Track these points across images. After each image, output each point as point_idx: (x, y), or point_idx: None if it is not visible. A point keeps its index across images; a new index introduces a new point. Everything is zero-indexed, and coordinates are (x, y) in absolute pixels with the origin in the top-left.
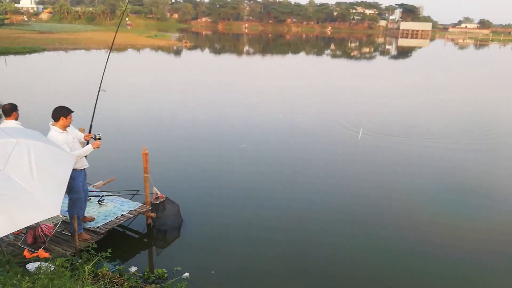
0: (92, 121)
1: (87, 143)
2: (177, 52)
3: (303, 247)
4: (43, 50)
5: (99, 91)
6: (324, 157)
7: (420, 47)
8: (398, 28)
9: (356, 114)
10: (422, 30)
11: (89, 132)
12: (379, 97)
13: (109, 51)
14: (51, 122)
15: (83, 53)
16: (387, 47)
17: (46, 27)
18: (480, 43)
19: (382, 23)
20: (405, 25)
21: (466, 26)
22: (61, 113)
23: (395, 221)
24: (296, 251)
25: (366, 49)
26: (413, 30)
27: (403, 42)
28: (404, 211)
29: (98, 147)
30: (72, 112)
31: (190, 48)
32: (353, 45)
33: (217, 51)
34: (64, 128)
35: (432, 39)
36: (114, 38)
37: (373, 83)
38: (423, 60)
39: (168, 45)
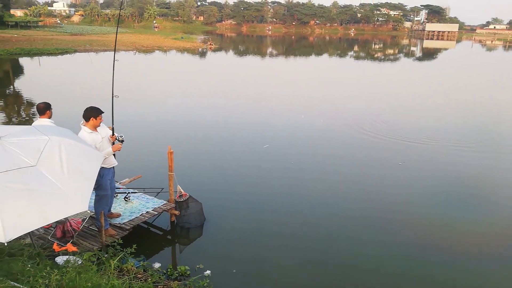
0: (112, 125)
1: (113, 143)
2: (202, 54)
3: (325, 252)
4: (75, 51)
5: (112, 97)
6: (348, 161)
7: (446, 49)
8: (423, 30)
9: (379, 117)
10: (448, 32)
11: (113, 134)
12: (403, 99)
13: (113, 60)
14: (82, 122)
15: (112, 54)
16: (412, 48)
17: (77, 29)
18: (510, 45)
19: (407, 24)
20: (431, 27)
21: (494, 27)
22: (91, 114)
23: (420, 229)
24: (318, 255)
25: (390, 51)
26: (439, 32)
27: (429, 43)
28: (428, 218)
29: (118, 150)
30: (103, 112)
31: (215, 50)
32: (377, 46)
33: (241, 53)
34: (94, 128)
35: (458, 41)
36: (116, 42)
37: (396, 85)
38: (448, 62)
39: (193, 47)
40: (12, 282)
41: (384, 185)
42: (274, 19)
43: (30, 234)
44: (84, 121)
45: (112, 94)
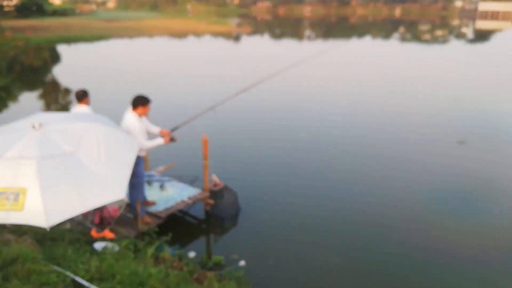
0: (181, 126)
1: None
2: (237, 38)
3: (364, 241)
4: (110, 37)
5: (209, 111)
6: (390, 151)
7: (500, 30)
8: (475, 9)
9: (427, 108)
10: (504, 11)
11: (171, 130)
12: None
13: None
14: (129, 108)
15: (146, 40)
16: (463, 30)
17: (112, 15)
18: None
19: (458, 3)
20: (484, 6)
21: None
22: (140, 102)
23: (468, 226)
24: (356, 246)
25: (439, 33)
26: (493, 11)
27: (481, 24)
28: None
29: (166, 143)
30: (150, 102)
31: (250, 34)
32: (424, 27)
33: (277, 37)
34: (140, 116)
35: None
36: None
37: (444, 71)
38: (504, 46)
39: (227, 31)
40: (55, 267)
41: (438, 181)
42: (312, 0)
43: (70, 219)
44: (132, 107)
45: (210, 109)
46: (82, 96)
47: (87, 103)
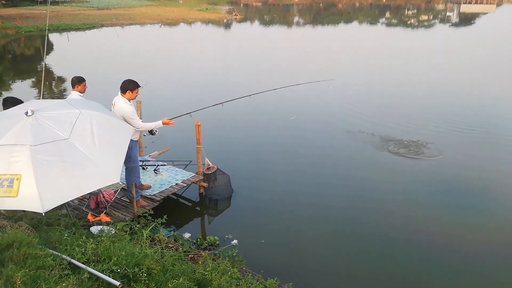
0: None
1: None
2: (227, 25)
3: (354, 223)
4: (102, 26)
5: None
6: (381, 135)
7: (484, 13)
8: None
9: (414, 95)
10: None
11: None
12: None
13: None
14: (118, 94)
15: (138, 28)
16: (448, 14)
17: (103, 3)
18: None
19: None
20: None
21: None
22: (128, 87)
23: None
24: (346, 227)
25: (424, 17)
26: None
27: (466, 8)
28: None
29: (167, 124)
30: (139, 86)
31: (240, 21)
32: (410, 12)
33: (267, 23)
34: (129, 100)
35: (499, 4)
36: None
37: (431, 56)
38: (487, 29)
39: (218, 18)
40: (51, 250)
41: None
42: None
43: (66, 205)
44: (121, 93)
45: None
46: (74, 82)
47: (83, 89)
